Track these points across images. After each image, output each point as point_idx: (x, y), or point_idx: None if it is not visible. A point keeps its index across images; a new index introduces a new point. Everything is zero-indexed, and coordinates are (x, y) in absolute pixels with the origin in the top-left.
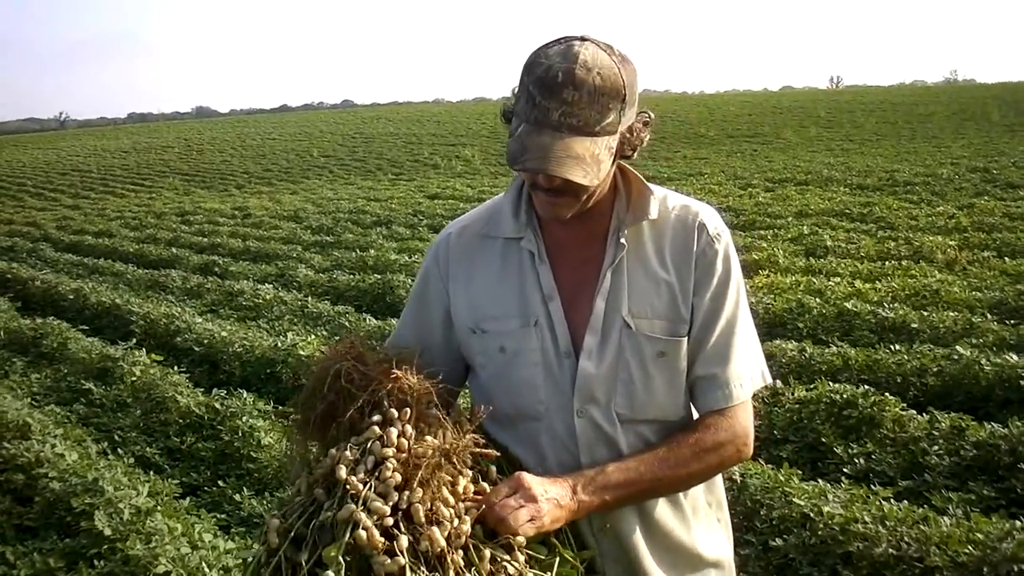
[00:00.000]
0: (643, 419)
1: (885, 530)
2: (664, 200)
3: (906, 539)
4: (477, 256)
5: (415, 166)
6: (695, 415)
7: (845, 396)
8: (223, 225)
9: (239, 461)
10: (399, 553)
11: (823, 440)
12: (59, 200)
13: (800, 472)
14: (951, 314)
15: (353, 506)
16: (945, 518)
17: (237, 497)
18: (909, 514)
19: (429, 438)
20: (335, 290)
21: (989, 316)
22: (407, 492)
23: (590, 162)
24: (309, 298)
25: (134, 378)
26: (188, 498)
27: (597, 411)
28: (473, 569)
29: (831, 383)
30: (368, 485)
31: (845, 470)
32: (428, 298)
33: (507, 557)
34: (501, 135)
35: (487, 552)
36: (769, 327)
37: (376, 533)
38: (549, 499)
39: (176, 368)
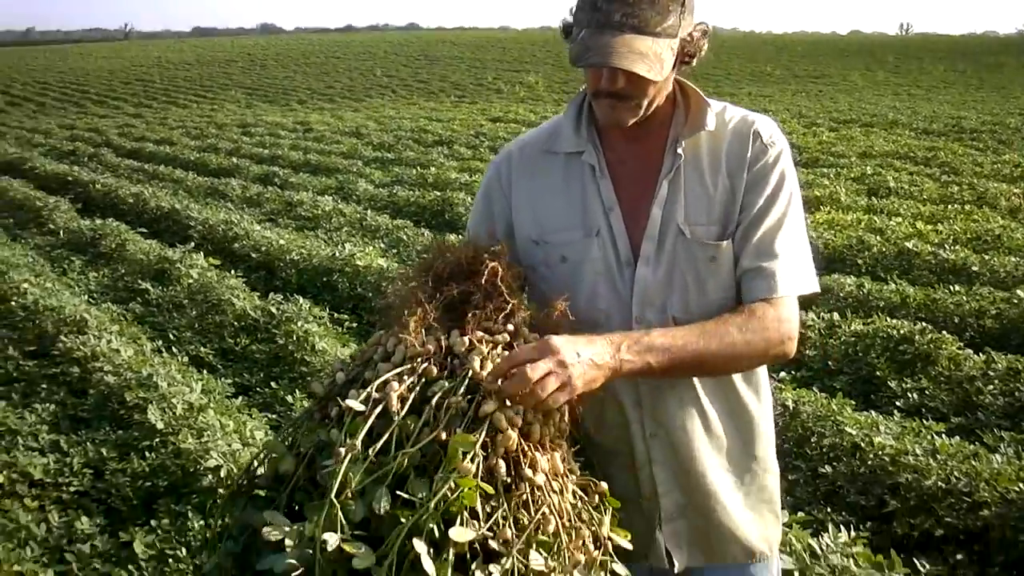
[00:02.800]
0: (700, 319)
1: (935, 463)
2: (722, 112)
3: (956, 473)
4: (539, 171)
5: (478, 90)
6: None
7: (902, 332)
8: (284, 138)
9: (292, 364)
10: (539, 469)
11: (877, 373)
12: (121, 108)
13: (853, 403)
14: (1012, 259)
15: (495, 404)
16: (996, 456)
17: (289, 399)
18: (960, 449)
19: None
20: (394, 205)
21: None
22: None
23: (652, 59)
24: (368, 211)
25: (191, 280)
26: (240, 398)
27: (654, 316)
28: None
29: (888, 319)
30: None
31: (898, 404)
32: (492, 212)
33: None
34: (565, 63)
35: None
36: (828, 262)
37: (514, 436)
38: (582, 361)
39: (233, 273)
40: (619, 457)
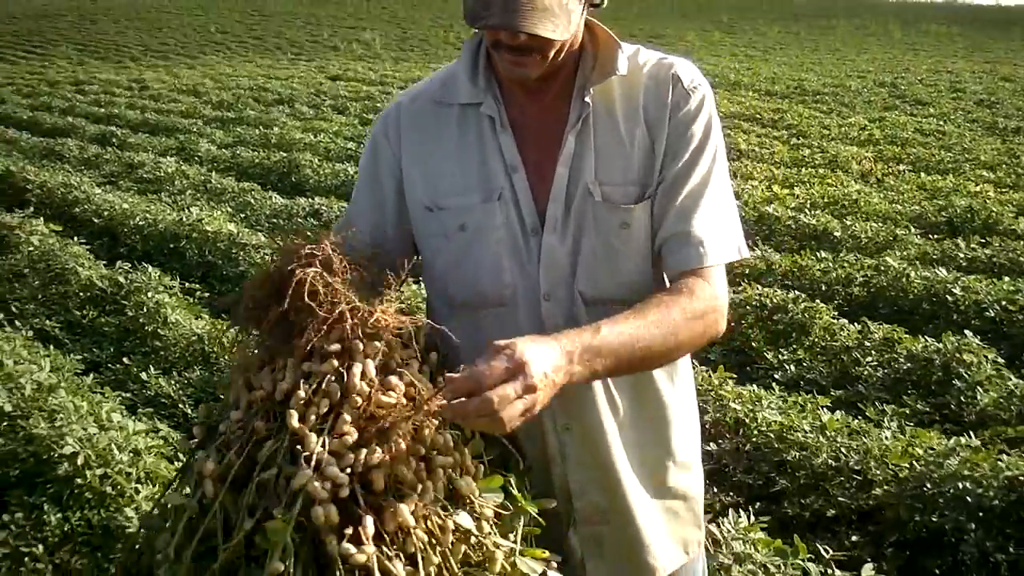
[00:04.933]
0: (608, 299)
1: (825, 440)
2: (635, 54)
3: (844, 450)
4: (432, 126)
5: (315, 47)
6: (666, 282)
7: (775, 300)
8: (119, 96)
9: (144, 338)
10: (365, 540)
11: (753, 344)
12: None
13: (735, 376)
14: (874, 225)
15: (309, 473)
16: (884, 431)
17: (143, 375)
18: (846, 424)
19: (395, 380)
20: (239, 166)
21: (912, 229)
22: (363, 452)
23: (559, 13)
24: (212, 173)
25: (31, 248)
26: (91, 375)
27: (564, 292)
28: (436, 546)
29: (762, 288)
30: (321, 440)
31: (776, 376)
32: (379, 172)
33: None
34: (402, 21)
35: (450, 523)
36: None
37: (335, 512)
38: (548, 382)
39: (75, 239)
40: (530, 451)
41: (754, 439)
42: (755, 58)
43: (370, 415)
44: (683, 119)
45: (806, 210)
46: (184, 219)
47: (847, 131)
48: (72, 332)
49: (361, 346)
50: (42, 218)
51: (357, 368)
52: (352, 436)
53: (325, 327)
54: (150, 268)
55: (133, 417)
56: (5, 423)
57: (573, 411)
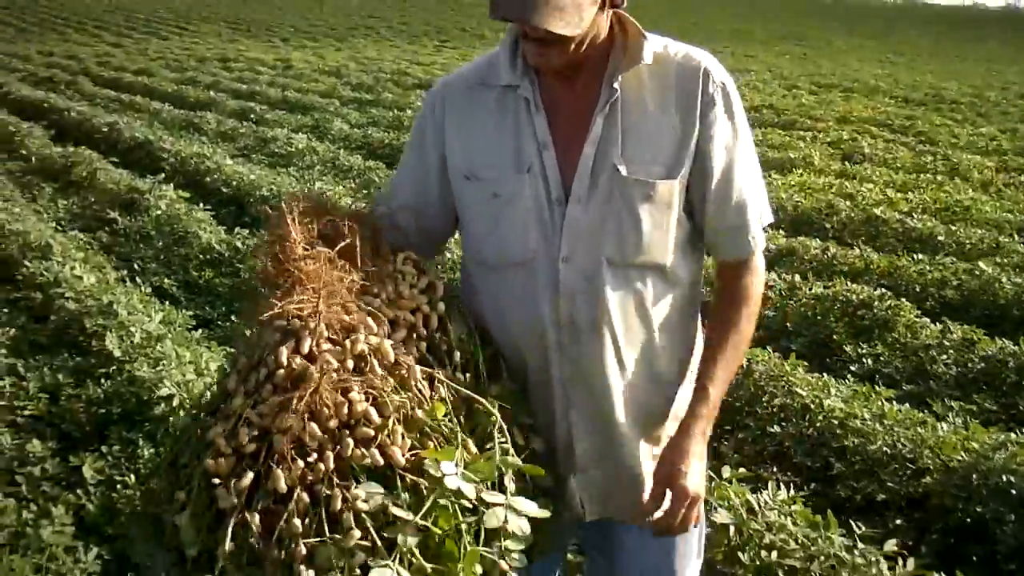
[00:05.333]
0: (633, 263)
1: (882, 429)
2: (665, 47)
3: (902, 440)
4: (474, 104)
5: (462, 35)
6: (681, 260)
7: (861, 297)
8: (263, 74)
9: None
10: (232, 493)
11: (834, 337)
12: (102, 37)
13: (807, 364)
14: (978, 231)
15: (218, 428)
16: (943, 424)
17: (248, 333)
18: (908, 416)
19: (327, 349)
20: (368, 146)
21: (1016, 237)
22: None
23: (571, 10)
24: (342, 151)
25: (159, 211)
26: (200, 330)
27: (584, 257)
28: (317, 510)
29: (849, 284)
30: (246, 402)
31: (852, 368)
32: (425, 145)
33: (359, 496)
34: None
35: (338, 493)
36: (796, 224)
37: (223, 464)
38: (701, 477)
39: (202, 206)
40: (539, 400)
41: (818, 425)
42: (900, 65)
43: (293, 386)
44: (716, 114)
45: (915, 214)
46: (307, 191)
47: (976, 140)
48: (188, 291)
49: (299, 322)
50: (173, 184)
51: (288, 345)
52: (270, 403)
53: (278, 305)
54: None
55: None
56: (113, 367)
57: (581, 366)
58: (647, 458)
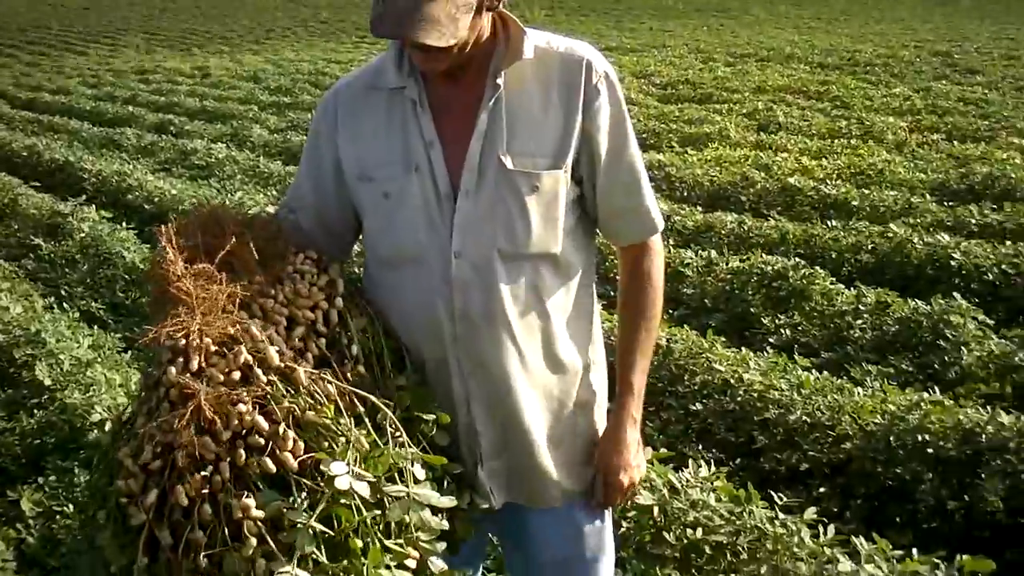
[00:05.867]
0: (524, 254)
1: (800, 398)
2: (548, 42)
3: (820, 407)
4: (364, 107)
5: None
6: (572, 249)
7: (777, 268)
8: (181, 84)
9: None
10: (142, 510)
11: (752, 311)
12: (17, 57)
13: (725, 339)
14: (892, 193)
15: (126, 448)
16: (860, 389)
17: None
18: (825, 384)
19: (216, 363)
20: (288, 151)
21: (929, 197)
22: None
23: (445, 22)
24: (261, 158)
25: (83, 234)
26: (130, 352)
27: (475, 251)
28: (223, 522)
29: (765, 256)
30: (143, 422)
31: (771, 340)
32: (320, 151)
33: (250, 505)
34: None
35: (236, 502)
36: (712, 199)
37: (133, 483)
38: (635, 466)
39: (125, 225)
40: (440, 394)
41: (739, 399)
42: (817, 29)
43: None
44: (600, 105)
45: (830, 181)
46: (228, 203)
47: (889, 101)
48: (116, 313)
49: (185, 341)
50: (95, 205)
51: (177, 363)
52: (167, 420)
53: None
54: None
55: None
56: (45, 396)
57: (478, 358)
58: (550, 446)
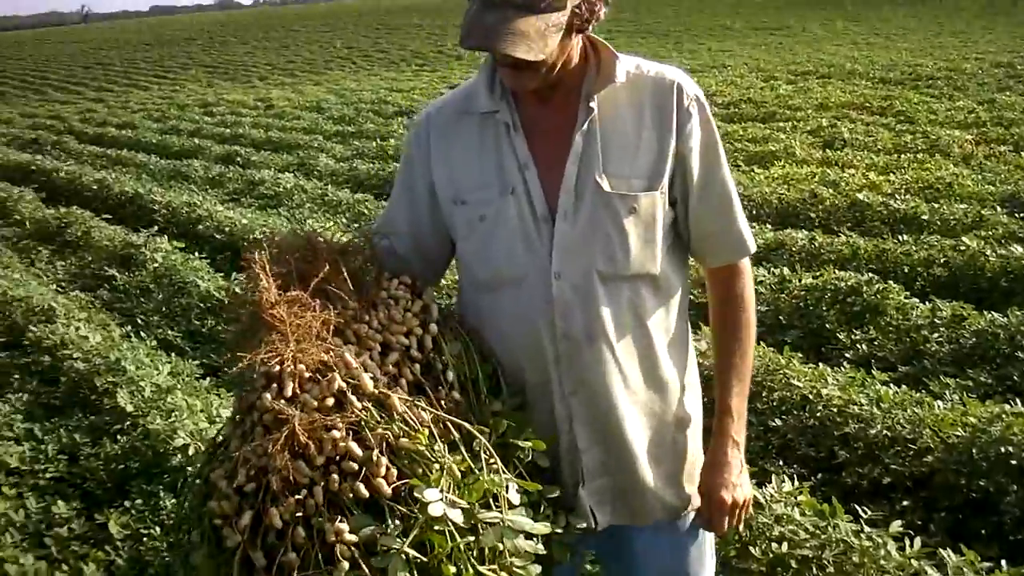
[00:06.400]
0: (623, 275)
1: (880, 412)
2: (638, 66)
3: (901, 421)
4: (456, 132)
5: (439, 57)
6: (670, 269)
7: (850, 284)
8: (245, 116)
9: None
10: (237, 531)
11: (827, 326)
12: (82, 93)
13: (802, 355)
14: (961, 206)
15: (220, 471)
16: (940, 402)
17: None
18: (904, 397)
19: (309, 396)
20: (355, 179)
21: (999, 209)
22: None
23: (535, 38)
24: (329, 186)
25: (156, 264)
26: (208, 379)
27: (575, 272)
28: (316, 545)
29: (838, 272)
30: (238, 445)
31: (847, 355)
32: (413, 176)
33: (343, 529)
34: None
35: (329, 526)
36: (782, 217)
37: (227, 505)
38: (743, 486)
39: (197, 255)
40: (541, 414)
41: (818, 414)
42: (876, 45)
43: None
44: (691, 128)
45: (899, 195)
46: (299, 231)
47: (954, 115)
48: (193, 340)
49: (286, 369)
50: (167, 236)
51: (272, 389)
52: (255, 442)
53: (251, 355)
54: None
55: None
56: (127, 422)
57: (580, 377)
58: (652, 463)
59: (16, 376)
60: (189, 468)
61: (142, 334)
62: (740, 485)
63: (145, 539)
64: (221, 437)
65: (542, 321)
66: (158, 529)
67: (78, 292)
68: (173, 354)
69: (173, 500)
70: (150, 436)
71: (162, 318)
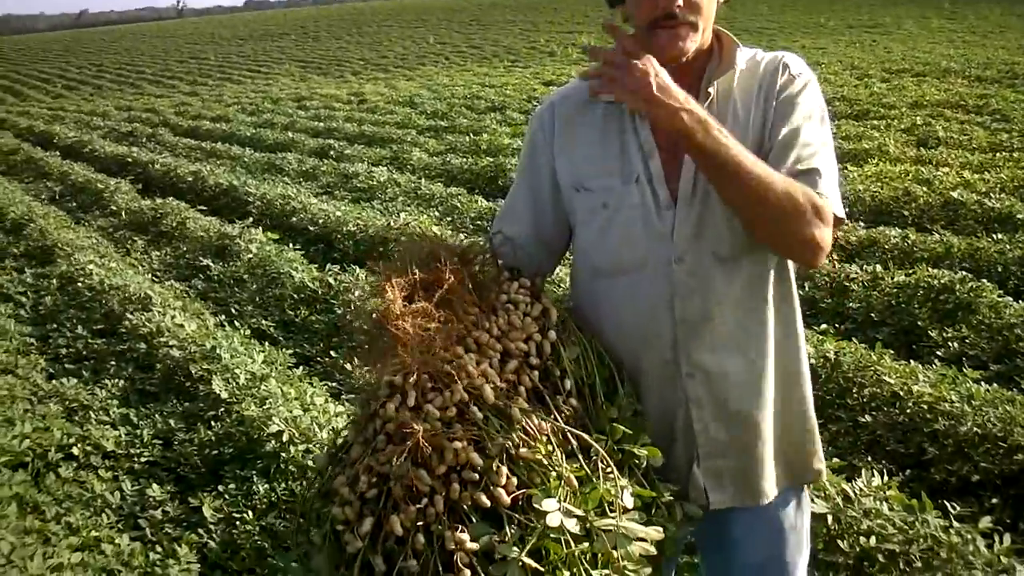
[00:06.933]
0: (738, 256)
1: (971, 409)
2: (755, 55)
3: (992, 419)
4: (579, 120)
5: (531, 54)
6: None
7: (943, 281)
8: (338, 110)
9: (351, 334)
10: (358, 537)
11: (919, 324)
12: (177, 87)
13: (893, 352)
14: None
15: (342, 477)
16: None
17: (348, 366)
18: (996, 395)
19: (432, 399)
20: (448, 173)
21: None
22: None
23: None
24: (422, 180)
25: (250, 255)
26: (301, 367)
27: (694, 256)
28: (435, 552)
29: (930, 269)
30: (362, 452)
31: (938, 353)
32: (536, 162)
33: (463, 538)
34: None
35: (449, 534)
36: (875, 214)
37: (350, 511)
38: (660, 76)
39: (291, 246)
40: (657, 396)
41: (908, 411)
42: (972, 43)
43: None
44: (789, 96)
45: (993, 194)
46: (391, 223)
47: None
48: (286, 330)
49: (401, 378)
50: (261, 227)
51: (395, 399)
52: (385, 452)
53: (386, 363)
54: (359, 270)
55: (336, 402)
56: (222, 408)
57: (696, 360)
58: (772, 437)
59: (113, 362)
60: (283, 454)
61: (236, 323)
62: (660, 76)
63: (238, 523)
64: (341, 440)
65: (662, 306)
66: (251, 513)
67: (173, 282)
68: (267, 343)
69: (266, 485)
70: (244, 422)
71: (256, 308)
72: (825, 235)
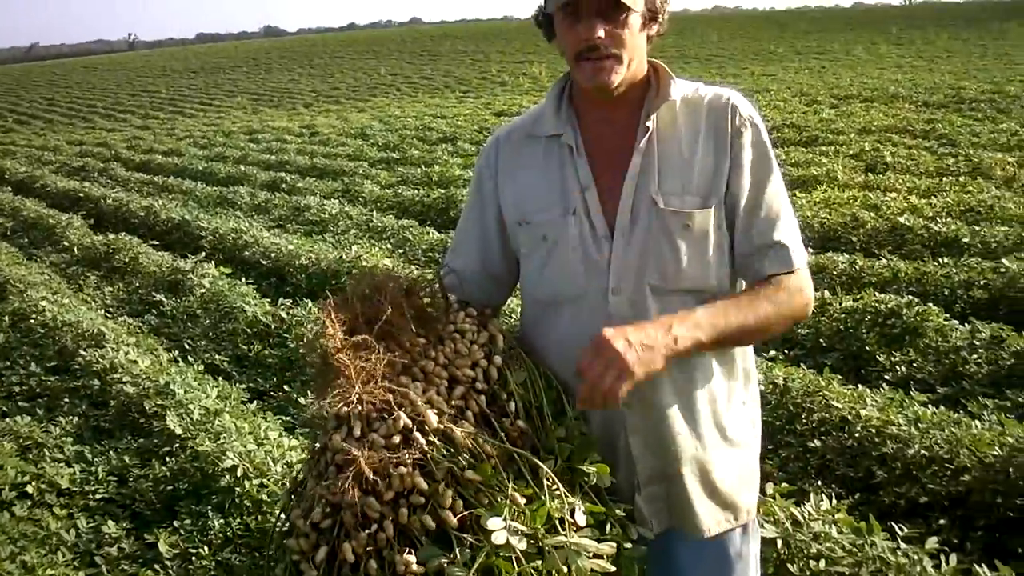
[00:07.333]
0: (675, 289)
1: (918, 432)
2: (696, 89)
3: (938, 441)
4: (523, 155)
5: (482, 84)
6: (722, 285)
7: (890, 306)
8: (290, 143)
9: (304, 368)
10: (313, 567)
11: (867, 348)
12: (129, 121)
13: (841, 377)
14: (1003, 229)
15: (298, 510)
16: (977, 422)
17: (302, 400)
18: (943, 418)
19: (376, 436)
20: (400, 205)
21: None
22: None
23: None
24: (374, 212)
25: (203, 290)
26: (255, 402)
27: (631, 287)
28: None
29: (878, 294)
30: (312, 484)
31: (886, 377)
32: (483, 198)
33: (411, 561)
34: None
35: (399, 558)
36: (823, 240)
37: (304, 543)
38: (634, 347)
39: (244, 280)
40: (599, 423)
41: (857, 435)
42: (920, 68)
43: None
44: (747, 150)
45: (940, 218)
46: (344, 256)
47: (996, 137)
48: (239, 365)
49: (346, 409)
50: (214, 262)
51: (341, 430)
52: (328, 480)
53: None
54: (311, 304)
55: (290, 436)
56: (176, 444)
57: (637, 391)
58: (704, 474)
59: (66, 399)
60: (238, 489)
61: (190, 358)
62: (634, 347)
63: (194, 558)
64: (300, 476)
65: None
66: (206, 549)
67: (126, 317)
68: (220, 378)
69: (221, 520)
70: (199, 458)
71: (209, 343)
72: (809, 296)
